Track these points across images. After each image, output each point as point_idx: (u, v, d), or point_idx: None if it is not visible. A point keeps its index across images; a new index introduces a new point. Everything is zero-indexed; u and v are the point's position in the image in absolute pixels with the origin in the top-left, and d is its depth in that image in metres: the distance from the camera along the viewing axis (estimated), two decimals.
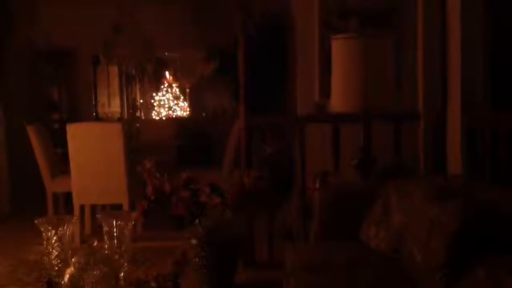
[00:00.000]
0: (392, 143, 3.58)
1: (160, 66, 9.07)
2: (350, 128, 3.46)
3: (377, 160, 3.22)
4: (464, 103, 3.12)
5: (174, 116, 9.40)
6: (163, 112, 9.38)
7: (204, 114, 8.97)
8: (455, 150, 3.19)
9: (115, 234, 2.16)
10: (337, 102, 3.13)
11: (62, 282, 2.04)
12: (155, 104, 9.40)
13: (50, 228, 2.05)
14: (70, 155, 4.76)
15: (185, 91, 9.66)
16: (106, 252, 2.15)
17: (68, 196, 5.08)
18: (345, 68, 3.07)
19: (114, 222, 2.16)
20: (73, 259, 2.06)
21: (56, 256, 2.07)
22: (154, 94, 9.40)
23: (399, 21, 4.34)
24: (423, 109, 3.62)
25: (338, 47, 3.12)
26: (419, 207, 2.20)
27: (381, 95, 3.07)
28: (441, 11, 3.33)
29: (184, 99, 9.70)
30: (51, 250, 2.06)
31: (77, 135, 4.75)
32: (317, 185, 2.99)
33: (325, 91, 4.16)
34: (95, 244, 2.12)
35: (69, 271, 2.04)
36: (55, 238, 2.06)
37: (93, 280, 1.99)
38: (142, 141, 6.52)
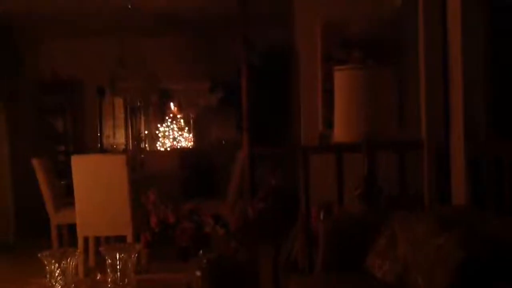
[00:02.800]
0: (396, 173, 3.57)
1: (165, 97, 9.16)
2: (353, 158, 3.47)
3: (382, 190, 3.21)
4: (467, 133, 3.13)
5: (178, 146, 9.44)
6: (168, 143, 9.42)
7: (208, 146, 9.00)
8: (459, 180, 3.18)
9: (118, 266, 2.15)
10: (340, 132, 3.14)
11: None
12: (159, 135, 9.45)
13: (53, 261, 2.04)
14: (74, 187, 4.78)
15: (190, 122, 9.72)
16: (109, 285, 2.14)
17: (72, 227, 5.08)
18: (348, 98, 3.09)
19: (118, 254, 2.16)
20: None
21: None
22: (158, 125, 9.45)
23: (401, 52, 4.38)
24: (426, 139, 3.63)
25: (341, 77, 3.15)
26: (423, 237, 2.19)
27: (383, 125, 3.08)
28: (443, 41, 3.37)
29: (189, 130, 9.75)
30: (54, 283, 2.05)
31: (82, 167, 4.77)
32: (321, 216, 2.99)
33: (328, 121, 4.19)
34: (98, 277, 2.11)
35: None
36: (58, 271, 2.05)
37: None
38: (147, 172, 6.53)
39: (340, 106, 3.13)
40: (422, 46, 3.66)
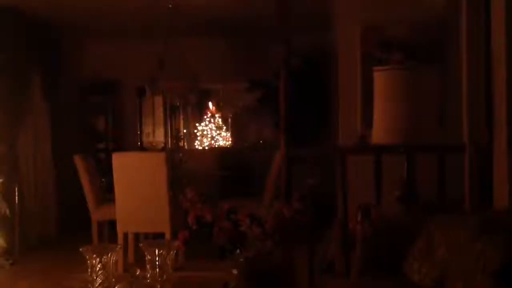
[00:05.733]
0: (436, 175, 3.52)
1: (203, 97, 9.25)
2: (392, 159, 3.43)
3: (421, 193, 3.16)
4: (511, 135, 3.05)
5: (216, 145, 9.51)
6: (206, 142, 9.51)
7: (245, 144, 9.03)
8: (501, 183, 3.11)
9: (157, 262, 2.18)
10: (380, 133, 3.11)
11: None
12: (198, 134, 9.54)
13: (94, 256, 2.08)
14: (114, 184, 4.87)
15: (227, 121, 9.78)
16: (148, 280, 2.17)
17: (112, 224, 5.19)
18: (388, 99, 3.06)
19: (157, 251, 2.19)
20: (116, 287, 2.09)
21: (100, 284, 2.09)
22: (197, 124, 9.55)
23: (443, 53, 4.31)
24: (468, 142, 3.56)
25: (381, 78, 3.12)
26: (464, 242, 2.15)
27: (424, 127, 3.04)
28: (486, 42, 3.30)
29: (226, 129, 9.81)
30: (95, 277, 2.09)
31: (122, 164, 4.86)
32: (359, 218, 2.96)
33: (367, 122, 4.15)
34: (137, 273, 2.14)
35: None
36: (99, 266, 2.09)
37: None
38: (185, 170, 6.61)
39: (380, 107, 3.10)
40: (464, 46, 3.60)
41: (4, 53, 5.82)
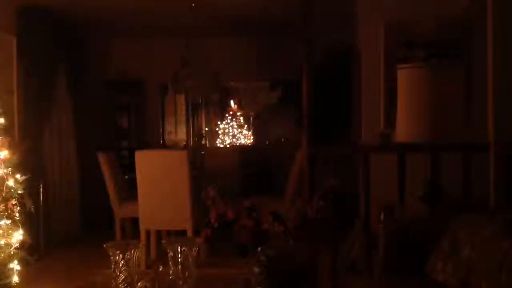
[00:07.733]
0: (460, 174, 3.47)
1: (225, 95, 9.26)
2: (416, 158, 3.39)
3: (445, 192, 3.13)
4: None
5: (238, 144, 9.51)
6: (227, 140, 9.52)
7: (267, 143, 9.03)
8: None
9: (179, 259, 2.19)
10: (403, 132, 3.08)
11: None
12: (219, 132, 9.56)
13: (118, 252, 2.10)
14: (137, 182, 4.91)
15: (249, 119, 9.78)
16: (170, 277, 2.18)
17: (134, 221, 5.23)
18: (411, 97, 3.03)
19: (179, 248, 2.20)
20: (139, 284, 2.11)
21: (123, 280, 2.11)
22: (219, 122, 9.57)
23: (467, 50, 4.25)
24: (493, 141, 3.50)
25: (404, 76, 3.09)
26: (489, 241, 2.12)
27: (448, 125, 3.00)
28: None
29: (248, 128, 9.81)
30: (118, 274, 2.11)
31: (145, 162, 4.90)
32: (382, 217, 2.94)
33: (390, 121, 4.11)
34: (160, 269, 2.15)
35: None
36: (122, 262, 2.11)
37: None
38: (207, 168, 6.63)
39: (403, 105, 3.07)
40: (490, 43, 3.54)
41: (30, 52, 5.91)
